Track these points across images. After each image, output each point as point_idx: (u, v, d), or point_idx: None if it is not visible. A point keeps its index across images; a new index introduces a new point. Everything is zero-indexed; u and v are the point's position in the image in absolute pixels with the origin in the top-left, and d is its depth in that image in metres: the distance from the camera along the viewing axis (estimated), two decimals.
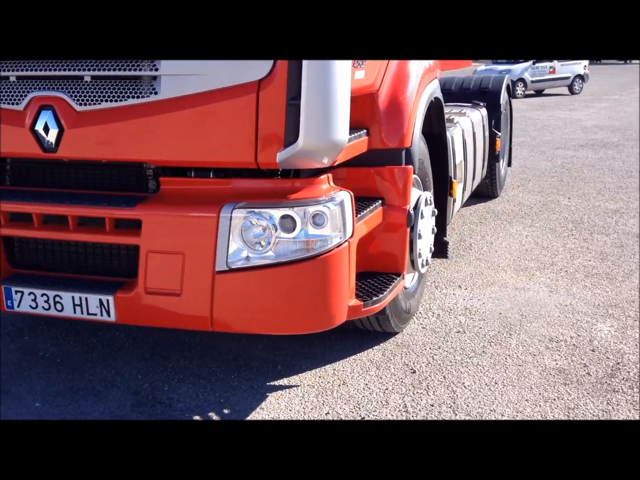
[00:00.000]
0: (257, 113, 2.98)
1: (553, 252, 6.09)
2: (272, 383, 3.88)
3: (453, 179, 5.13)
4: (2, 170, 3.57)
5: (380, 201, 3.70)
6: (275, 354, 4.20)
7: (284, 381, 3.90)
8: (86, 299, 3.30)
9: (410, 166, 3.76)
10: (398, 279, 3.77)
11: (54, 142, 3.19)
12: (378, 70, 3.63)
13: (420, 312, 4.80)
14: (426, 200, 4.28)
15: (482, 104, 7.17)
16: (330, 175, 3.26)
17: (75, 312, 3.34)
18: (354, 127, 3.59)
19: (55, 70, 3.15)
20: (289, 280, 3.17)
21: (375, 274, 3.79)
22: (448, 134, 5.27)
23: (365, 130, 3.64)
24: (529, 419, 3.52)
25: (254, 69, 2.94)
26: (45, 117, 3.18)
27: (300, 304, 3.21)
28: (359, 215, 3.40)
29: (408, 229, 3.78)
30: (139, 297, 3.23)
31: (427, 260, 4.43)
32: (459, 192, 5.77)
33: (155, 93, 3.05)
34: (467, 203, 7.56)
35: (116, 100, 3.10)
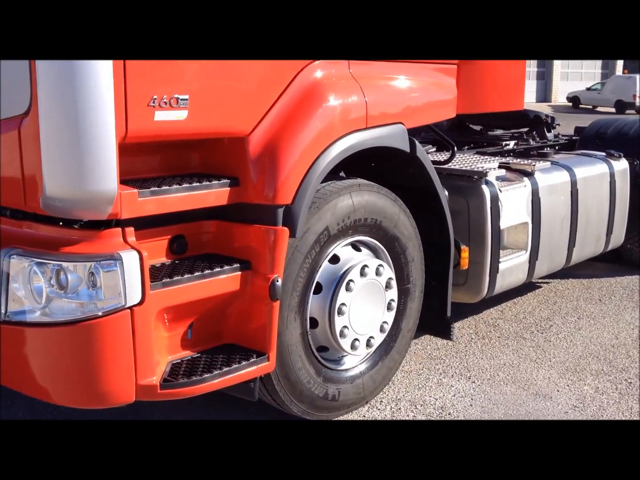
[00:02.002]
0: (20, 151, 2.66)
1: None
2: None
3: (461, 245, 4.19)
4: None
5: (237, 264, 3.09)
6: None
7: None
8: None
9: (285, 227, 3.09)
10: (255, 359, 3.11)
11: None
12: (246, 112, 3.04)
13: (381, 399, 3.96)
14: (364, 268, 3.53)
15: (617, 154, 5.81)
16: (126, 229, 2.78)
17: None
18: (221, 174, 3.09)
19: None
20: (56, 344, 2.77)
21: (236, 349, 3.19)
22: (484, 191, 4.36)
23: (228, 180, 3.07)
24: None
25: (17, 103, 2.62)
26: None
27: (69, 374, 2.79)
28: (169, 278, 2.87)
29: (274, 302, 3.10)
30: None
31: (367, 341, 3.65)
32: (514, 261, 4.72)
33: None
34: (594, 271, 6.21)
35: None
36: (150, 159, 2.99)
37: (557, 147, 6.45)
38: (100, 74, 2.49)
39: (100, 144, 2.54)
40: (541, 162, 5.06)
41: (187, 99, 2.78)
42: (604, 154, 5.82)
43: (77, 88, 2.48)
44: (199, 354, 3.11)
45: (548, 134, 6.45)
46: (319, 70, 3.29)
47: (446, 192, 4.13)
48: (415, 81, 3.80)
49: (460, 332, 4.95)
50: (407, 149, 3.66)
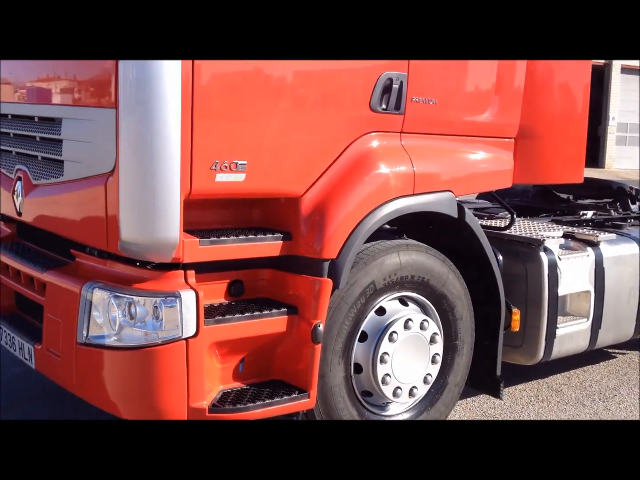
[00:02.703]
0: (105, 203, 3.22)
1: None
2: None
3: (513, 307, 4.39)
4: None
5: (285, 309, 3.49)
6: None
7: None
8: (22, 344, 3.86)
9: (329, 279, 3.47)
10: (297, 395, 3.47)
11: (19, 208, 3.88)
12: (301, 176, 3.48)
13: None
14: (407, 322, 3.83)
15: None
16: (187, 271, 3.26)
17: (19, 354, 3.92)
18: (275, 229, 3.54)
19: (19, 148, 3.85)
20: (124, 366, 3.28)
21: (282, 385, 3.56)
22: (542, 257, 4.57)
23: (281, 234, 3.50)
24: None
25: (105, 164, 3.20)
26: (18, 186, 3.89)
27: (132, 392, 3.28)
28: (223, 316, 3.31)
29: (316, 345, 3.46)
30: (43, 353, 3.67)
31: (410, 391, 3.92)
32: (574, 327, 4.84)
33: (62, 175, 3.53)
34: None
35: (46, 179, 3.66)
36: (214, 213, 3.47)
37: None
38: (171, 144, 3.02)
39: (167, 200, 3.05)
40: (607, 233, 5.16)
41: (245, 164, 3.26)
42: None
43: (151, 155, 3.01)
44: (248, 386, 3.51)
45: (633, 206, 6.48)
46: (371, 140, 3.69)
47: (500, 257, 4.37)
48: (467, 154, 4.12)
49: (520, 394, 5.07)
50: (455, 215, 3.97)
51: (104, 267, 3.43)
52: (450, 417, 4.44)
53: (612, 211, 6.35)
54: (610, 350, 5.69)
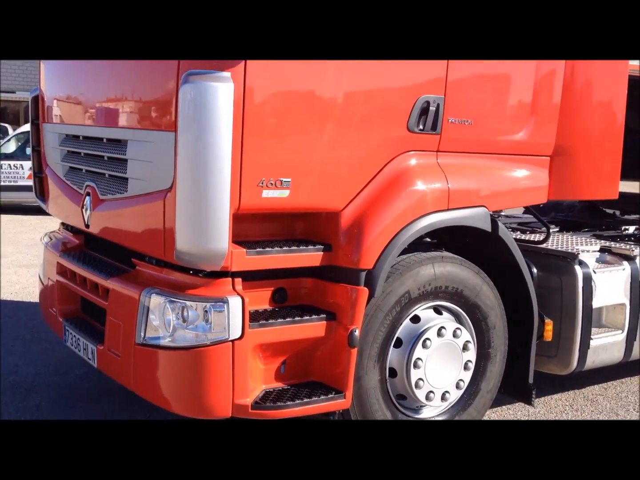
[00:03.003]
0: (163, 216, 3.57)
1: None
2: None
3: (545, 318, 4.57)
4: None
5: (324, 315, 3.78)
6: None
7: None
8: (87, 345, 4.25)
9: (365, 288, 3.74)
10: (333, 395, 3.75)
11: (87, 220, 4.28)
12: (341, 192, 3.76)
13: None
14: (441, 329, 4.07)
15: None
16: (235, 279, 3.58)
17: (83, 354, 4.31)
18: (317, 240, 3.83)
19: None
20: (176, 364, 3.61)
21: (320, 386, 3.84)
22: (577, 270, 4.74)
23: (322, 246, 3.79)
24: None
25: (164, 181, 3.54)
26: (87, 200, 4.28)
27: (183, 388, 3.61)
28: (266, 320, 3.61)
29: (352, 349, 3.73)
30: (105, 353, 4.04)
31: (442, 395, 4.15)
32: (609, 339, 4.98)
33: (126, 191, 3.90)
34: None
35: (112, 194, 4.04)
36: (260, 225, 3.79)
37: None
38: (223, 164, 3.33)
39: (218, 214, 3.37)
40: None
41: (289, 181, 3.56)
42: None
43: (205, 174, 3.32)
44: (288, 386, 3.80)
45: None
46: (409, 159, 3.95)
47: (534, 269, 4.57)
48: (501, 171, 4.34)
49: (555, 403, 5.23)
50: (489, 229, 4.19)
51: (160, 275, 3.78)
52: None
53: None
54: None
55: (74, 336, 4.40)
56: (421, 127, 3.93)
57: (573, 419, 4.97)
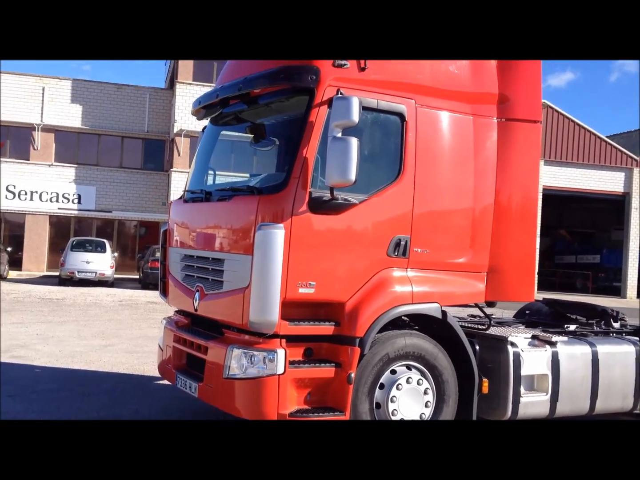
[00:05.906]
0: (243, 303, 6.28)
1: None
2: None
3: (483, 377, 6.99)
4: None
5: (334, 364, 6.34)
6: None
7: None
8: (191, 384, 6.90)
9: (358, 348, 6.30)
10: (337, 413, 6.24)
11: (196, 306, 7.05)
12: (347, 291, 6.40)
13: None
14: (408, 379, 6.56)
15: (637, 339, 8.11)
16: (281, 340, 6.22)
17: (188, 389, 6.96)
18: (331, 319, 6.46)
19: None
20: (246, 389, 6.22)
21: (331, 408, 6.35)
22: (509, 349, 7.18)
23: (333, 322, 6.41)
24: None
25: (243, 282, 6.29)
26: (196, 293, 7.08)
27: (249, 402, 6.21)
28: (299, 364, 6.20)
29: (349, 386, 6.24)
30: (203, 387, 6.68)
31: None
32: (535, 398, 7.30)
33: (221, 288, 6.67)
34: None
35: (212, 291, 6.81)
36: (299, 310, 6.43)
37: (623, 334, 8.79)
38: (278, 273, 6.05)
39: (273, 301, 6.06)
40: (562, 336, 7.68)
41: (314, 284, 6.27)
42: (638, 338, 8.15)
43: (267, 279, 6.04)
44: (311, 407, 6.32)
45: (615, 324, 8.86)
46: (388, 272, 6.60)
47: (477, 346, 7.05)
48: (449, 281, 6.94)
49: None
50: (440, 317, 6.75)
51: (239, 337, 6.47)
52: None
53: (594, 326, 8.76)
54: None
55: (183, 380, 7.07)
56: (396, 253, 6.60)
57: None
